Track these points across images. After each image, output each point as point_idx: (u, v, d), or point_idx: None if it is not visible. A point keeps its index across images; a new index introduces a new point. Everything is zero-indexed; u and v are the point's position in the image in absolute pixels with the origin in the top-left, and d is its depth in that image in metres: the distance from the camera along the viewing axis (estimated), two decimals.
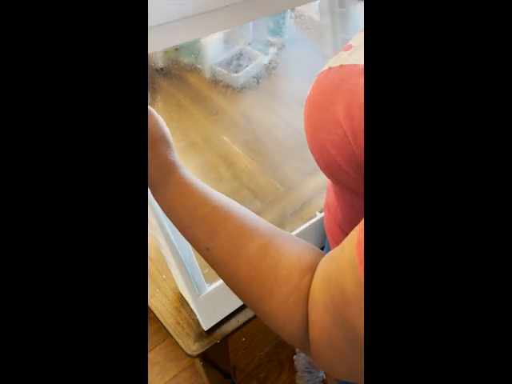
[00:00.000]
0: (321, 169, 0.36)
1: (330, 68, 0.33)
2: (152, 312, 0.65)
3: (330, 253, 0.30)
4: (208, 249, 0.35)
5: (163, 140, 0.36)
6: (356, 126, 0.29)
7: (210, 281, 0.59)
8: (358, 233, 0.25)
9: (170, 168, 0.36)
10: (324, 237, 0.70)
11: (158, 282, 0.68)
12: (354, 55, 0.32)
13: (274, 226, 0.35)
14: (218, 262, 0.35)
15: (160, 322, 0.64)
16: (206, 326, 0.63)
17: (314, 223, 0.67)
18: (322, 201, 0.75)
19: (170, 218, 0.38)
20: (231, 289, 0.36)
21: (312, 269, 0.31)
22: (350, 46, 0.34)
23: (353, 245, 0.25)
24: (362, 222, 0.26)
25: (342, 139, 0.30)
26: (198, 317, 0.62)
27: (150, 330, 1.24)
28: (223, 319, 0.64)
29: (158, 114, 0.37)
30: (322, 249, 0.70)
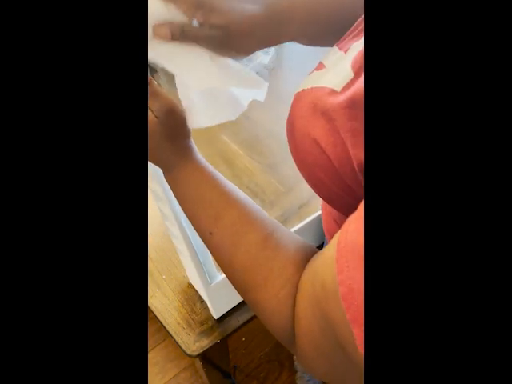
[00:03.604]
0: (311, 187, 0.36)
1: (303, 90, 0.34)
2: (152, 312, 0.65)
3: (319, 251, 0.31)
4: (211, 233, 0.36)
5: (185, 128, 0.38)
6: (339, 151, 0.29)
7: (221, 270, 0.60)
8: (339, 233, 0.26)
9: (188, 152, 0.38)
10: (323, 234, 0.70)
11: (158, 282, 0.68)
12: (325, 77, 0.32)
13: (276, 221, 0.36)
14: (219, 246, 0.36)
15: (160, 322, 0.64)
16: (216, 315, 0.63)
17: (314, 220, 0.67)
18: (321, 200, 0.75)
19: (178, 200, 0.39)
20: (227, 275, 0.37)
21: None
22: (322, 65, 0.34)
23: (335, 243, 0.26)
24: (345, 223, 0.26)
25: (328, 164, 0.31)
26: (209, 305, 0.63)
27: (150, 330, 1.24)
28: (232, 308, 0.64)
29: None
30: (321, 246, 0.70)
